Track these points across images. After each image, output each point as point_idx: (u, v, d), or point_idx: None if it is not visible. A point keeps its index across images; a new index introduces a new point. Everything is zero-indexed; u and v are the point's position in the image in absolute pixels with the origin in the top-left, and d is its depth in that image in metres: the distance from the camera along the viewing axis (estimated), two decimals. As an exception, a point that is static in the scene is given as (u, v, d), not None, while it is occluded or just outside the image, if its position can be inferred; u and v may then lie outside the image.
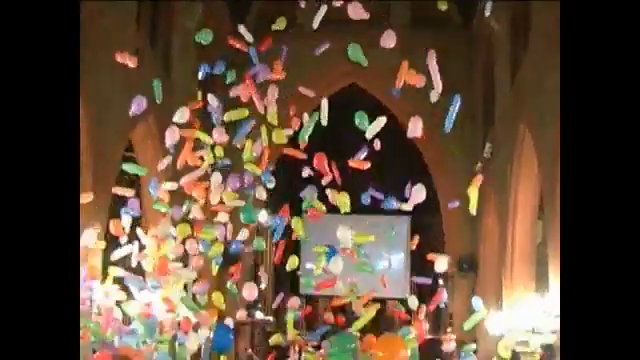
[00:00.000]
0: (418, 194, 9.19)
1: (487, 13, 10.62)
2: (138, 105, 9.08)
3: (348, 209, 9.47)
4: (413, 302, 9.84)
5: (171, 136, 9.20)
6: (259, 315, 22.81)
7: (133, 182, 15.79)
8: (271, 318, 24.38)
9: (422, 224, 27.38)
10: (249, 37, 9.49)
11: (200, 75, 9.70)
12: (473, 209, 9.38)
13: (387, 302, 27.22)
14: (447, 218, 22.84)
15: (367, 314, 9.45)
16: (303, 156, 9.50)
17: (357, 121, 8.83)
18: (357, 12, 8.48)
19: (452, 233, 22.76)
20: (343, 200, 9.36)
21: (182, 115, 9.04)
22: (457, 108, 8.69)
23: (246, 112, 9.22)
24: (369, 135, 8.93)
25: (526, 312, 15.64)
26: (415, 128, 8.79)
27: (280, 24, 9.48)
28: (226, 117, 9.24)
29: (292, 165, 9.93)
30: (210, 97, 9.31)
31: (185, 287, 10.03)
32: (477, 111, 21.94)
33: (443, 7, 9.35)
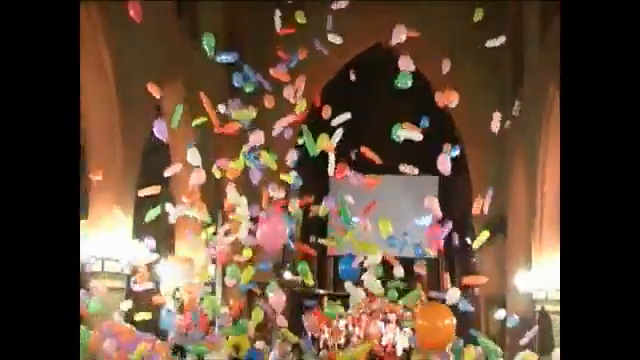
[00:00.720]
0: (432, 204, 9.47)
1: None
2: (159, 130, 9.23)
3: (390, 232, 9.63)
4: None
5: (198, 177, 9.34)
6: (287, 275, 23.02)
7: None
8: (299, 277, 24.57)
9: (450, 184, 27.34)
10: (278, 23, 9.59)
11: (218, 59, 9.76)
12: (476, 244, 9.58)
13: (415, 262, 27.41)
14: (475, 178, 22.74)
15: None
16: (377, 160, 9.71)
17: (393, 132, 9.03)
18: (399, 36, 8.73)
19: (481, 193, 22.63)
20: (385, 227, 9.47)
21: (195, 158, 9.11)
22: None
23: (253, 114, 9.29)
24: (399, 138, 9.12)
25: (555, 271, 15.62)
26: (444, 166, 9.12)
27: (300, 18, 9.63)
28: (234, 116, 9.28)
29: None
30: (220, 106, 9.34)
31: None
32: (506, 69, 21.68)
33: (479, 16, 9.41)
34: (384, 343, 21.00)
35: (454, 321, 8.01)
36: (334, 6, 9.68)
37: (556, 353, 9.81)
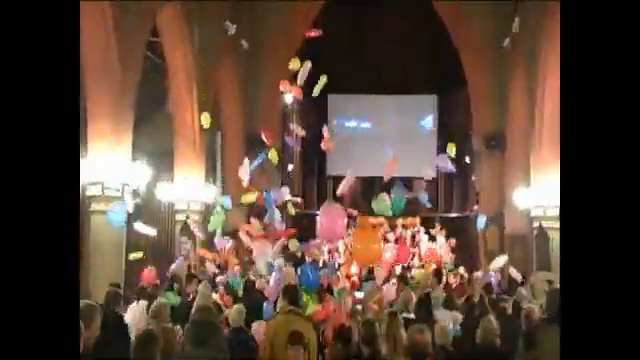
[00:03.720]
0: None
1: None
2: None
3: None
4: None
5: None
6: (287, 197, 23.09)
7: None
8: (299, 199, 24.73)
9: (449, 102, 27.20)
10: None
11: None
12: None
13: (413, 182, 27.57)
14: (475, 95, 22.58)
15: None
16: None
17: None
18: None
19: (480, 110, 22.55)
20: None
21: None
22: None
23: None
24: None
25: (553, 187, 15.70)
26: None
27: None
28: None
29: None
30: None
31: None
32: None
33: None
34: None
35: (381, 244, 8.73)
36: None
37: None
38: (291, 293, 7.40)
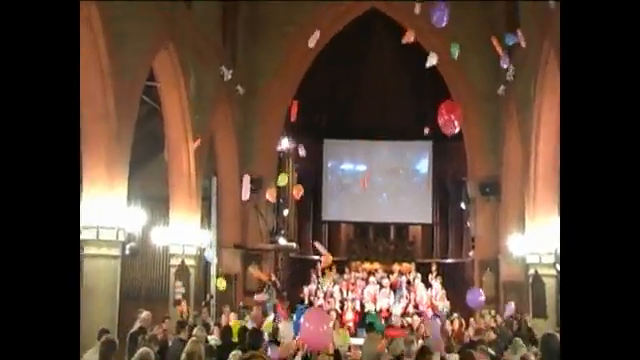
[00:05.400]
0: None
1: None
2: None
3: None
4: None
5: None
6: (282, 241, 23.07)
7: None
8: (294, 244, 24.66)
9: (445, 149, 27.31)
10: None
11: None
12: None
13: (409, 228, 27.55)
14: (470, 142, 22.69)
15: None
16: None
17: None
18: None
19: (475, 157, 22.66)
20: None
21: None
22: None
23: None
24: None
25: (548, 234, 15.69)
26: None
27: None
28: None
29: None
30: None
31: None
32: (500, 30, 21.48)
33: None
34: (377, 308, 21.13)
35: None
36: None
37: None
38: (254, 337, 7.41)
